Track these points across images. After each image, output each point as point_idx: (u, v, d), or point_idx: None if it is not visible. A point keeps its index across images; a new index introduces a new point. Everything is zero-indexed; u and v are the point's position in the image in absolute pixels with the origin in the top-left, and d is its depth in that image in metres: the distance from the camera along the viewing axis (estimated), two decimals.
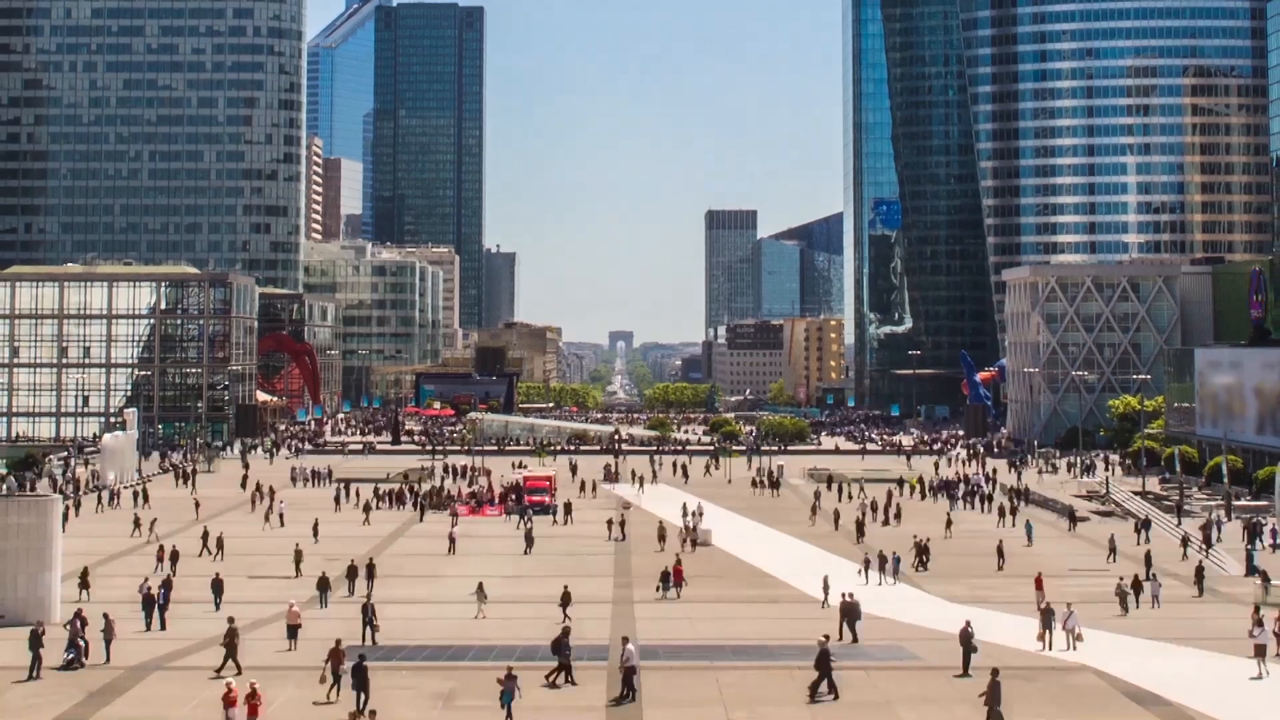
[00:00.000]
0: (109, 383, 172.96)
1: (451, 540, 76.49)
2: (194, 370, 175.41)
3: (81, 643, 47.11)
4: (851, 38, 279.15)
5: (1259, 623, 47.39)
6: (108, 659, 47.45)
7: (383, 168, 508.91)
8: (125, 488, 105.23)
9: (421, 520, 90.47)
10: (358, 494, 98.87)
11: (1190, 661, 48.64)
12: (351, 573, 62.93)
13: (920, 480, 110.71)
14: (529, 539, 77.06)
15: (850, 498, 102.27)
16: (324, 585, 59.76)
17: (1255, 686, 44.43)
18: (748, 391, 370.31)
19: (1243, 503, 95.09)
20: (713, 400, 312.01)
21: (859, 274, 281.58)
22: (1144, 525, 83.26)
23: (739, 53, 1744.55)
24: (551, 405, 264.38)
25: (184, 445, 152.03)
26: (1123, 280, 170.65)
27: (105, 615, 48.70)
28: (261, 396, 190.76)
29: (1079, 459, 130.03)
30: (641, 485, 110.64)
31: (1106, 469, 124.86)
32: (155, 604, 54.79)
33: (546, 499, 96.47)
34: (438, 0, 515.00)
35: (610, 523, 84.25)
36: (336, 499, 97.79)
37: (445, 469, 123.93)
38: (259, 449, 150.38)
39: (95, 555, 70.37)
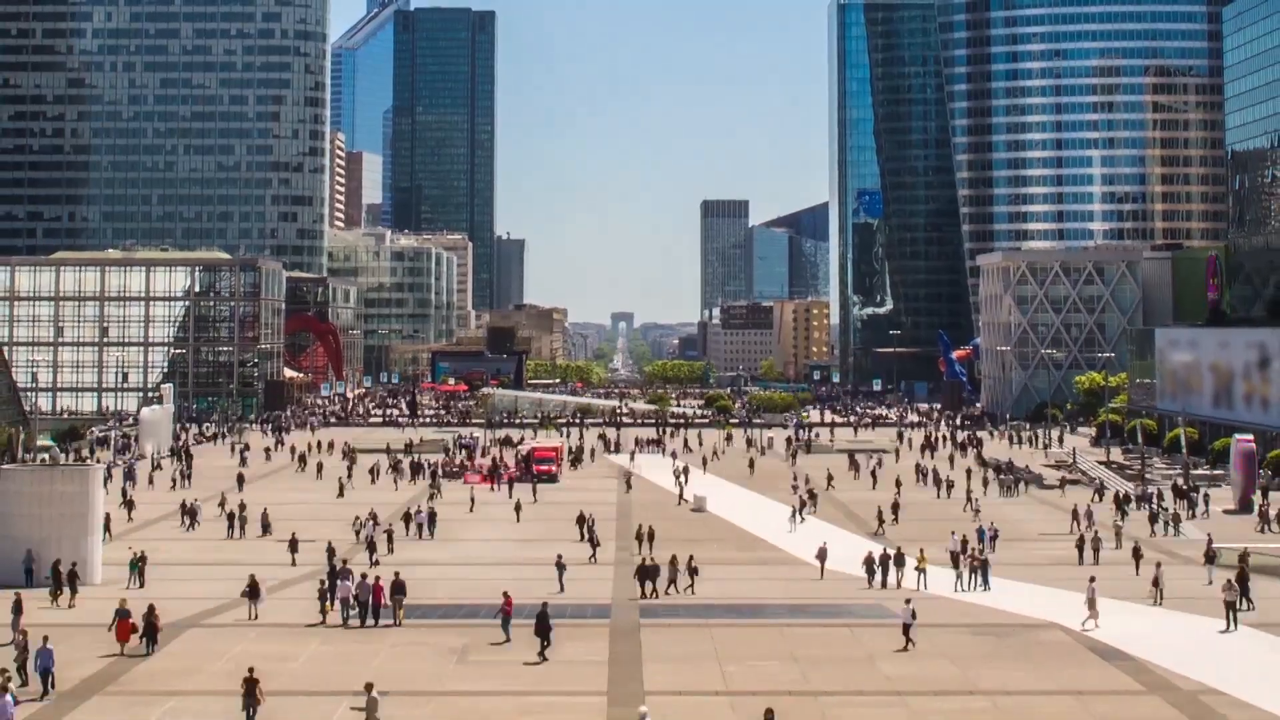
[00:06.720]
0: (147, 360, 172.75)
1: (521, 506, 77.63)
2: (226, 349, 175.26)
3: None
4: (836, 40, 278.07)
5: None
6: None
7: (401, 160, 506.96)
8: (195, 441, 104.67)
9: (436, 488, 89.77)
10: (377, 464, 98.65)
11: (1151, 619, 48.55)
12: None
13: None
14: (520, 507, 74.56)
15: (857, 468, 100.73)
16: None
17: (1212, 642, 44.34)
18: (740, 368, 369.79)
19: (1200, 471, 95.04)
20: (707, 376, 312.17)
21: (843, 259, 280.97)
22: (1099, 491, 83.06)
23: (732, 55, 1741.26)
24: (558, 381, 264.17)
25: (215, 419, 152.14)
26: (1089, 265, 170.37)
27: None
28: (288, 373, 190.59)
29: (1048, 432, 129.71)
30: (684, 476, 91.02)
31: (1085, 440, 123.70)
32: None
33: (553, 468, 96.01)
34: (453, 5, 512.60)
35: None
36: (350, 469, 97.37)
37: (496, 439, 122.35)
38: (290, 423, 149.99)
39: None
